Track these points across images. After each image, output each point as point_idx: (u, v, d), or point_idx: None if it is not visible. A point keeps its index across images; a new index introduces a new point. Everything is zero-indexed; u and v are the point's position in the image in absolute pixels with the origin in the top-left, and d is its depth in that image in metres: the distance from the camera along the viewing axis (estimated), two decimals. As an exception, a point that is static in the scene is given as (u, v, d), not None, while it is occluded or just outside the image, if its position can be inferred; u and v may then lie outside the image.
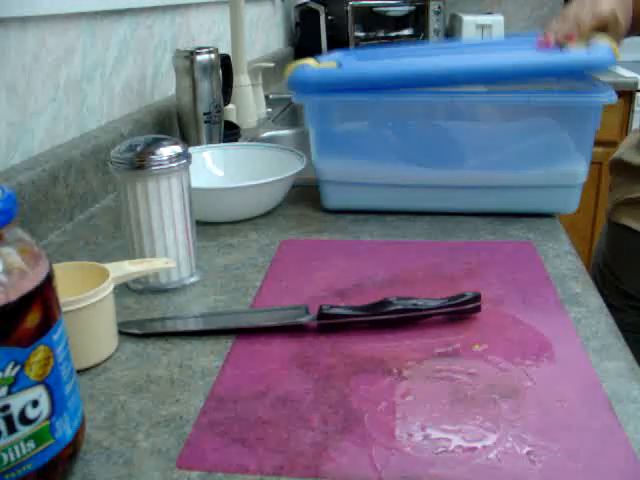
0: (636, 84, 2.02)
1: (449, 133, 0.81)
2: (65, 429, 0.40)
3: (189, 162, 0.65)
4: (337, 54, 0.95)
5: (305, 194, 0.93)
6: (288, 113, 1.63)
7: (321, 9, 2.11)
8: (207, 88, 1.11)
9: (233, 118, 1.32)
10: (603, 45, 0.76)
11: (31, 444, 0.37)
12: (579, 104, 0.77)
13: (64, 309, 0.42)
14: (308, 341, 0.56)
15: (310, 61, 0.85)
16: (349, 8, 2.14)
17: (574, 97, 0.77)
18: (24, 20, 0.81)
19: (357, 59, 0.91)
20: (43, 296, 0.37)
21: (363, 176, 0.83)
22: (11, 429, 0.36)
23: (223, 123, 1.18)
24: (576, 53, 0.75)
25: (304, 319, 0.57)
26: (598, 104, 0.76)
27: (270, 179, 0.81)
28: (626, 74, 2.07)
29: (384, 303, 0.57)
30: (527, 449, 0.42)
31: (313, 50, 2.09)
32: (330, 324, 0.57)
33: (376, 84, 0.78)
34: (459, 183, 0.82)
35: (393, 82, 0.78)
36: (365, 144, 0.82)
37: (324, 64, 0.84)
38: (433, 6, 2.27)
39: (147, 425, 0.46)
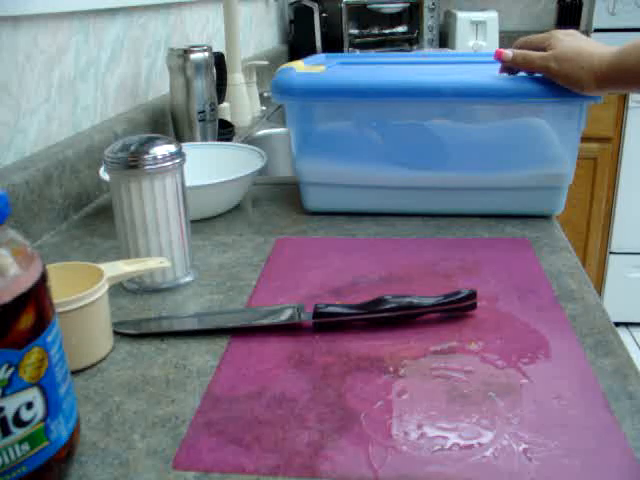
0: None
1: (432, 134, 0.79)
2: (60, 431, 0.39)
3: (183, 161, 0.65)
4: (322, 57, 0.96)
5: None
6: (283, 111, 1.62)
7: (315, 6, 2.11)
8: (201, 86, 1.11)
9: (227, 116, 1.31)
10: None
11: (26, 446, 0.37)
12: (565, 104, 0.75)
13: (58, 310, 0.42)
14: (304, 340, 0.56)
15: (298, 64, 0.84)
16: (343, 5, 2.14)
17: (560, 97, 0.73)
18: (16, 19, 0.80)
19: (340, 64, 0.91)
20: (37, 297, 0.37)
21: (345, 178, 0.82)
22: (5, 431, 0.36)
23: (217, 121, 1.17)
24: None
25: (300, 318, 0.57)
26: (583, 104, 0.74)
27: (227, 178, 0.80)
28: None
29: (380, 301, 0.57)
30: (523, 446, 0.42)
31: (307, 48, 2.09)
32: (326, 323, 0.57)
33: (360, 93, 0.76)
34: (441, 185, 0.81)
35: (377, 92, 0.76)
36: (347, 145, 0.80)
37: (311, 68, 0.83)
38: (427, 3, 2.27)
39: (143, 426, 0.46)
